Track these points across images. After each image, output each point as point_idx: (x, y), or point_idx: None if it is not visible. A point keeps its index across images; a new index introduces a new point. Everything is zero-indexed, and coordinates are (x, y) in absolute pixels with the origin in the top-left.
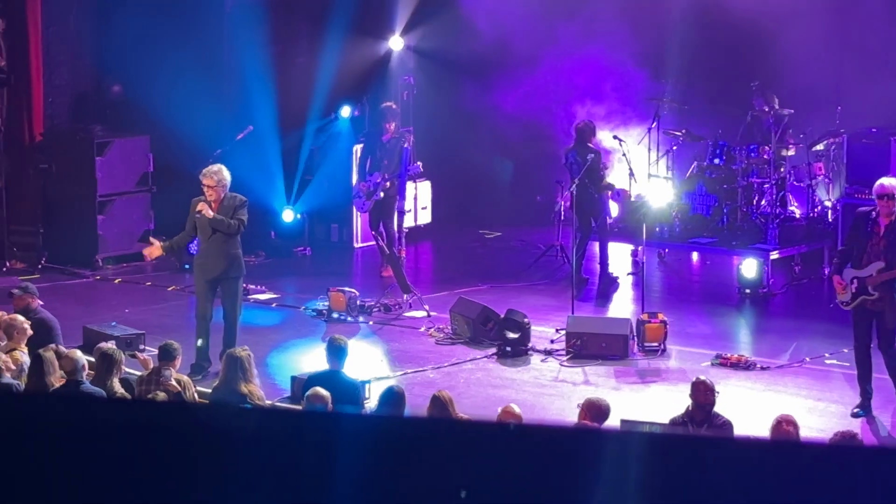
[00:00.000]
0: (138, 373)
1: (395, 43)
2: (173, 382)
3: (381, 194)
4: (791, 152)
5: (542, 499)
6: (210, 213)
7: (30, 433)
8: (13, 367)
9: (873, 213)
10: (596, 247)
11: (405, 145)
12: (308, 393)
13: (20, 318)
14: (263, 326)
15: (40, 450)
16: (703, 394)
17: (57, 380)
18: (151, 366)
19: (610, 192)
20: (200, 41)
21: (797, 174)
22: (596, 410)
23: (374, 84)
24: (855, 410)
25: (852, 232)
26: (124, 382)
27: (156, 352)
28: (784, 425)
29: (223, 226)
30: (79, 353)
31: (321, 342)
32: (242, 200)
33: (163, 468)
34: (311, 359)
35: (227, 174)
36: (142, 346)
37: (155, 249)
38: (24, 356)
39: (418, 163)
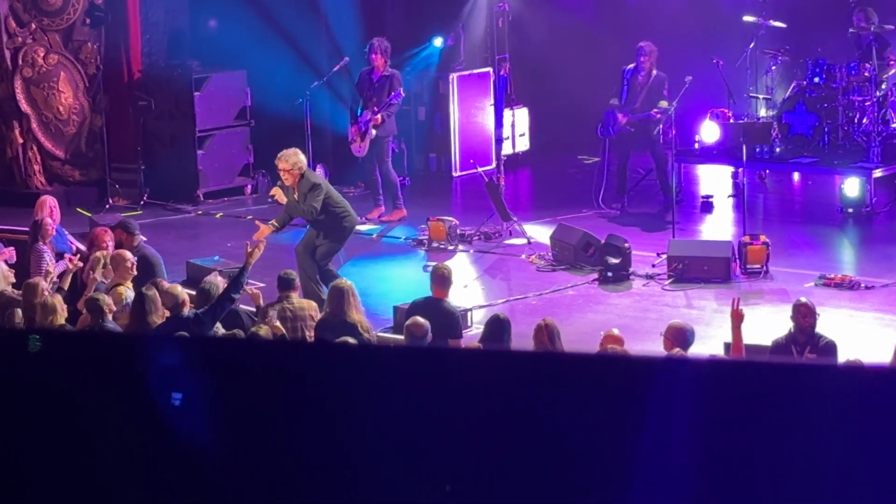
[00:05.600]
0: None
1: None
2: (277, 324)
3: (374, 132)
4: (892, 72)
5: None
6: (283, 199)
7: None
8: (114, 308)
9: None
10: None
11: (399, 88)
12: (407, 322)
13: (128, 253)
14: (364, 257)
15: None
16: (803, 316)
17: (160, 318)
18: (261, 299)
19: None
20: None
21: None
22: (681, 336)
23: (468, 12)
24: None
25: None
26: (232, 314)
27: (261, 285)
28: None
29: (297, 212)
30: (179, 289)
31: (422, 272)
32: (312, 184)
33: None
34: (412, 288)
35: (301, 157)
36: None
37: (264, 230)
38: (128, 292)
39: (400, 89)
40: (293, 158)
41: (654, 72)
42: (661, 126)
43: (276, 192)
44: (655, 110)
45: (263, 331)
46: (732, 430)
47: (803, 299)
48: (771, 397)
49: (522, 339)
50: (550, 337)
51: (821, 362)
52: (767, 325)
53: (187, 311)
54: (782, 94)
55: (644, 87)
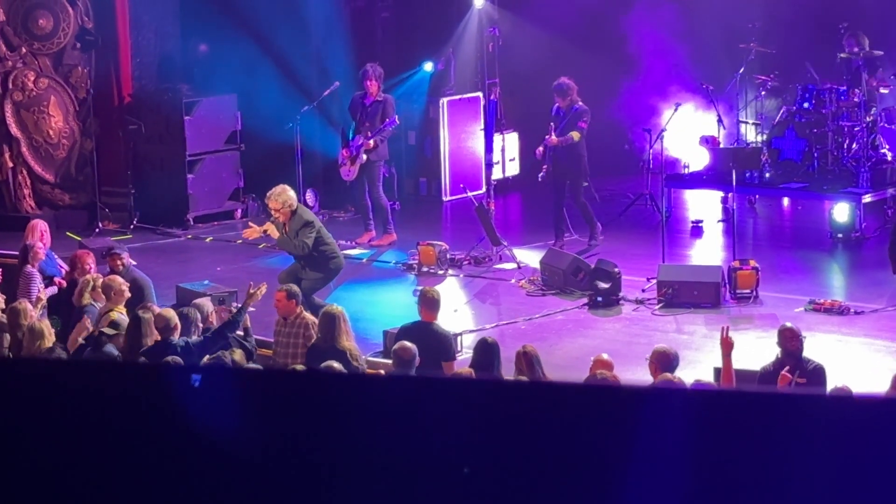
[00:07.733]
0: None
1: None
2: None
3: (364, 157)
4: (884, 91)
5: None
6: (276, 234)
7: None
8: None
9: None
10: None
11: (392, 112)
12: (394, 347)
13: (119, 279)
14: (354, 282)
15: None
16: (788, 340)
17: (153, 341)
18: (249, 324)
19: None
20: None
21: (888, 116)
22: (666, 360)
23: (458, 37)
24: None
25: None
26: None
27: (250, 309)
28: None
29: (289, 247)
30: (172, 312)
31: (412, 296)
32: (305, 221)
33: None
34: (402, 313)
35: (290, 195)
36: (235, 305)
37: (253, 232)
38: (121, 317)
39: (395, 116)
40: (282, 197)
41: (577, 105)
42: (581, 160)
43: (269, 227)
44: (549, 136)
45: (237, 355)
46: (722, 462)
47: (788, 324)
48: (762, 428)
49: (512, 363)
50: (529, 364)
51: (812, 391)
52: (757, 350)
53: (177, 336)
54: (772, 120)
55: (560, 122)
